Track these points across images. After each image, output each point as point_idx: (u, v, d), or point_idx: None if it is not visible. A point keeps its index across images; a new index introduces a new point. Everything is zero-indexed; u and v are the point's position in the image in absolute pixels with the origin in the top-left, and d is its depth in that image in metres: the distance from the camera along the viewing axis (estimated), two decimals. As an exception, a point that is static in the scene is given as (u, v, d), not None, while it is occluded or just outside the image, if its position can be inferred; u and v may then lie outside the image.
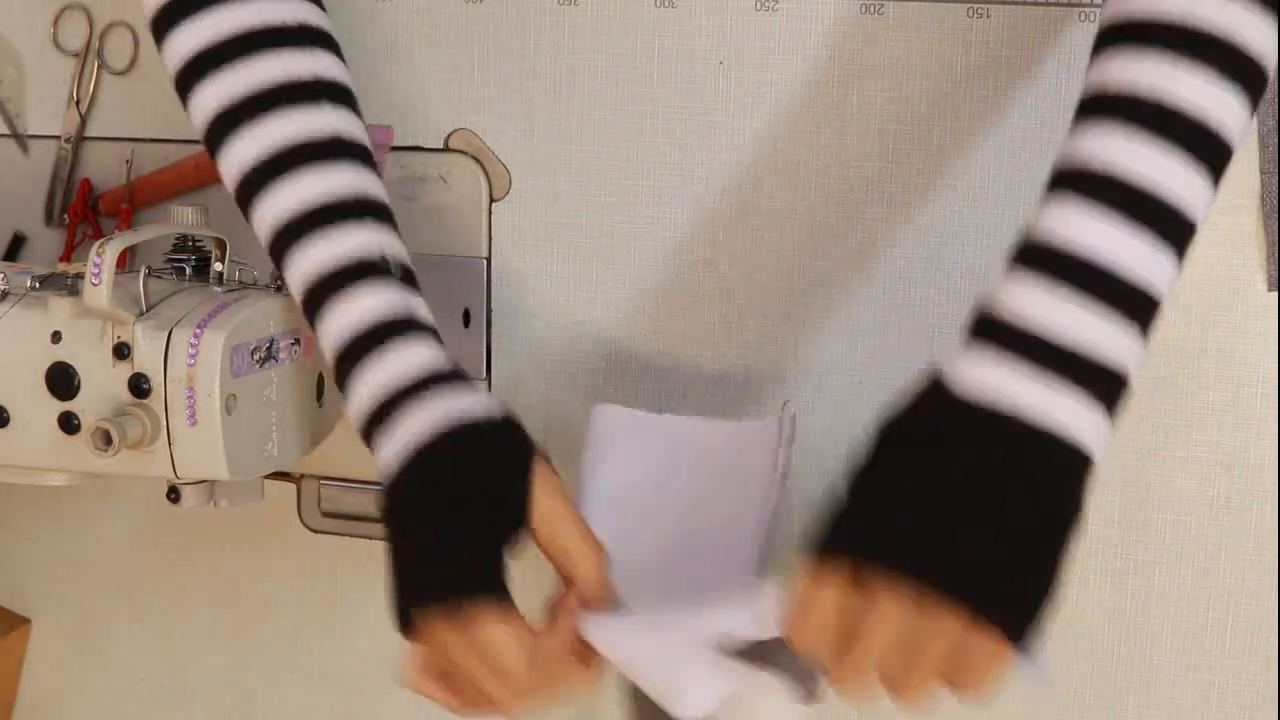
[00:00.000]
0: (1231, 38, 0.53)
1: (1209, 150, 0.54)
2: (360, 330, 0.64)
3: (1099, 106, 0.55)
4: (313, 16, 0.70)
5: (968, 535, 0.52)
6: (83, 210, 0.88)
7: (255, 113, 0.65)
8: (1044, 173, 0.56)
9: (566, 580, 0.64)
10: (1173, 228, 0.55)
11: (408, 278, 0.67)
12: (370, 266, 0.65)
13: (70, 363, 0.66)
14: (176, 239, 0.75)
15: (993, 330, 0.54)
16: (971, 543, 0.52)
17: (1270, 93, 0.71)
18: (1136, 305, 0.54)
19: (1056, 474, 0.53)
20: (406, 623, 0.62)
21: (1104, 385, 0.53)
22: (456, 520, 0.61)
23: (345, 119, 0.68)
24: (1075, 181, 0.54)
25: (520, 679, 0.60)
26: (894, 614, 0.52)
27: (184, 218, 0.73)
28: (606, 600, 0.63)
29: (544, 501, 0.63)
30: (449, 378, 0.64)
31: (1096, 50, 0.57)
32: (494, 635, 0.59)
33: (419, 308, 0.66)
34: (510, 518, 0.62)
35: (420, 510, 0.62)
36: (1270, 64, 0.55)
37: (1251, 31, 0.54)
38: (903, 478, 0.54)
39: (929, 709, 0.55)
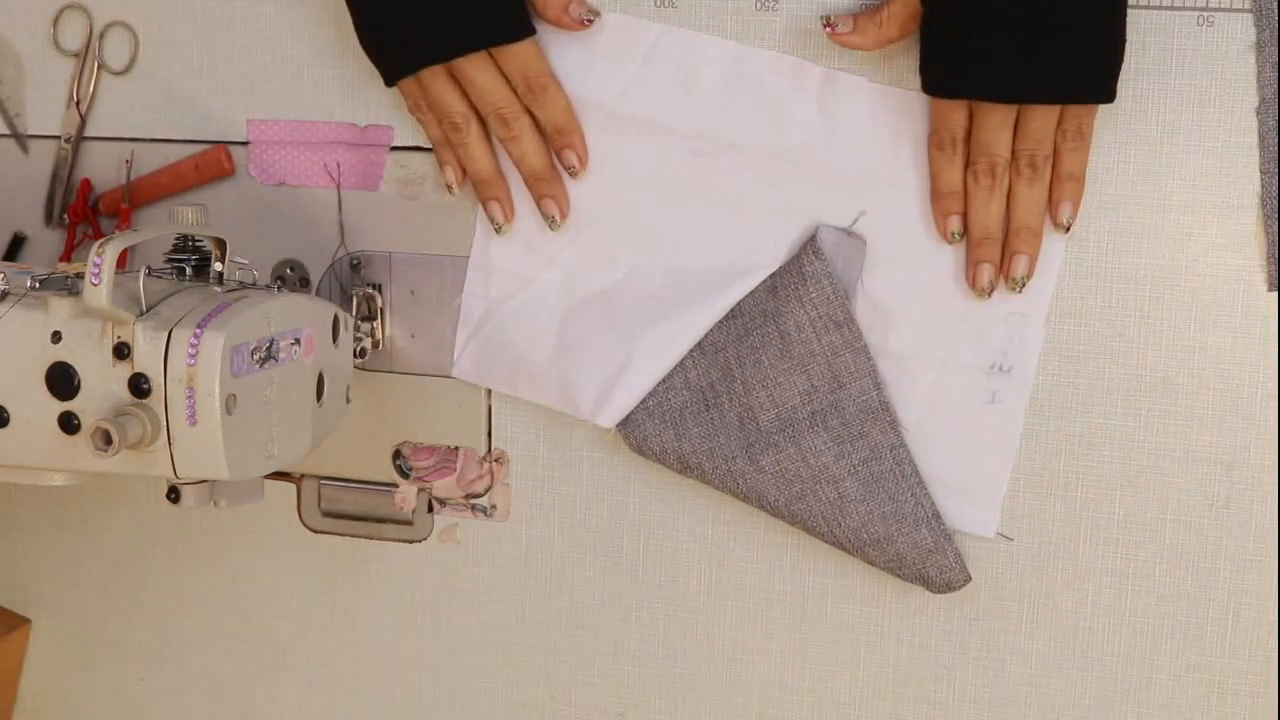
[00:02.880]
0: None
1: None
2: None
3: None
4: None
5: (1056, 42, 0.64)
6: (83, 210, 0.88)
7: None
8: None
9: None
10: None
11: None
12: None
13: (70, 363, 0.66)
14: (176, 239, 0.75)
15: None
16: (1063, 47, 0.64)
17: (1270, 93, 0.71)
18: None
19: None
20: (430, 76, 0.75)
21: None
22: None
23: None
24: None
25: (556, 120, 0.75)
26: (1008, 126, 0.68)
27: (184, 218, 0.73)
28: None
29: None
30: None
31: None
32: (528, 61, 0.75)
33: None
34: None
35: None
36: None
37: None
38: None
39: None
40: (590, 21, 0.73)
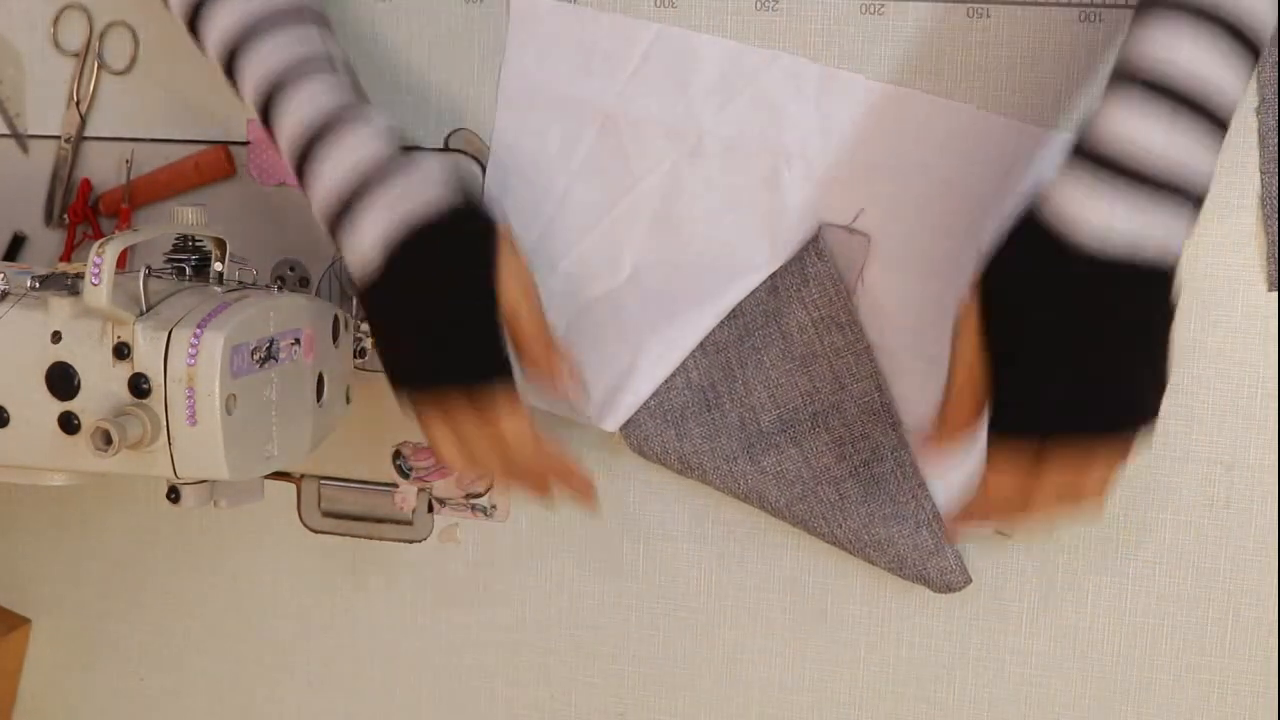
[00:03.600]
0: None
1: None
2: (312, 125, 0.67)
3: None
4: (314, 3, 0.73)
5: (1119, 388, 0.61)
6: (83, 210, 0.88)
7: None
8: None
9: (514, 340, 0.68)
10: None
11: (350, 75, 0.70)
12: (316, 63, 0.69)
13: (70, 363, 0.66)
14: (176, 239, 0.75)
15: (1090, 158, 0.59)
16: (1124, 390, 0.61)
17: (1270, 93, 0.71)
18: (1219, 128, 0.60)
19: (1162, 294, 0.62)
20: (417, 401, 0.67)
21: (1196, 202, 0.60)
22: (449, 307, 0.66)
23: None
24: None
25: (524, 463, 0.67)
26: (1068, 469, 0.62)
27: (184, 218, 0.73)
28: (550, 364, 0.69)
29: (508, 280, 0.67)
30: (402, 166, 0.67)
31: None
32: (508, 423, 0.66)
33: (361, 99, 0.69)
34: (492, 298, 0.67)
35: (408, 300, 0.66)
36: None
37: None
38: (1048, 344, 0.61)
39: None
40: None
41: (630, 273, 0.79)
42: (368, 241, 0.66)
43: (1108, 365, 0.61)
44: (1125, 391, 0.62)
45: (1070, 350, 0.61)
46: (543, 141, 0.80)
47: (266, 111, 0.69)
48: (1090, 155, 0.59)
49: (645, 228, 0.79)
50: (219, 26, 0.70)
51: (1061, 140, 0.71)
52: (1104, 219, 0.59)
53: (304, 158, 0.67)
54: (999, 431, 0.63)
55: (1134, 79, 0.59)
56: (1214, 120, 0.59)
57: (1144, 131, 0.58)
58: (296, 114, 0.68)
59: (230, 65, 0.70)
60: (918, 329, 0.76)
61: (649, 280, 0.79)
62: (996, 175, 0.73)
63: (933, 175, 0.74)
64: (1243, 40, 0.58)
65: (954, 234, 0.74)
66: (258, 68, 0.69)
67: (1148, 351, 0.62)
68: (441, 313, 0.66)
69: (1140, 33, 0.59)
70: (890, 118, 0.74)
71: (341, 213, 0.66)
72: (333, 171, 0.67)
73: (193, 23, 0.72)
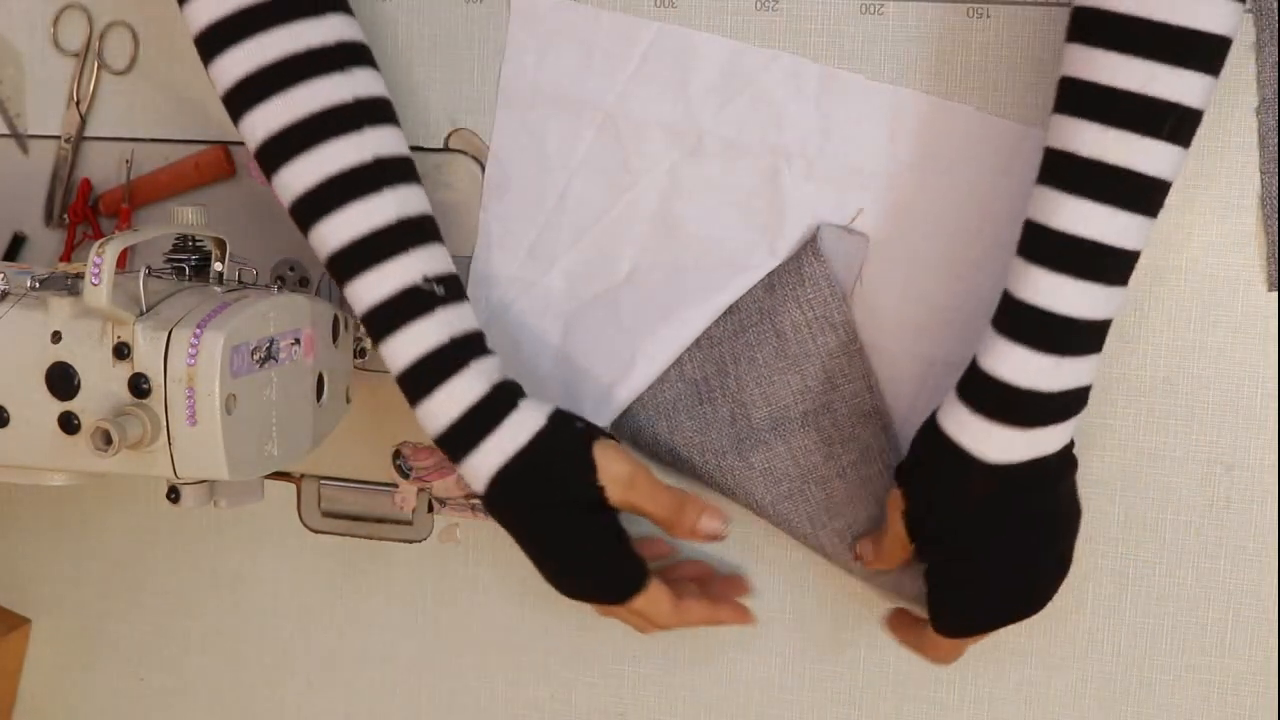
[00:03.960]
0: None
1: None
2: (423, 356, 0.70)
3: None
4: (348, 30, 0.72)
5: (1039, 588, 0.69)
6: (83, 210, 0.88)
7: (303, 142, 0.69)
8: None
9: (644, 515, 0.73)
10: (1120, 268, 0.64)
11: (453, 290, 0.71)
12: (419, 293, 0.70)
13: (70, 363, 0.66)
14: (176, 239, 0.75)
15: (985, 392, 0.65)
16: (1040, 587, 0.69)
17: (1270, 93, 0.71)
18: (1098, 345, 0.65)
19: (1070, 487, 0.68)
20: (577, 599, 0.75)
21: (1082, 405, 0.65)
22: (566, 524, 0.72)
23: (386, 137, 0.72)
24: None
25: (672, 625, 0.75)
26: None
27: (184, 218, 0.73)
28: (686, 520, 0.73)
29: (614, 485, 0.71)
30: (509, 392, 0.71)
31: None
32: (649, 609, 0.74)
33: (470, 322, 0.72)
34: (606, 512, 0.72)
35: (525, 527, 0.72)
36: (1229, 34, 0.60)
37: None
38: (961, 544, 0.68)
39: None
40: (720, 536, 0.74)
41: (629, 271, 0.79)
42: (478, 475, 0.71)
43: (1020, 560, 0.68)
44: (1036, 584, 0.69)
45: (983, 551, 0.68)
46: (542, 140, 0.80)
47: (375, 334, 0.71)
48: (983, 388, 0.65)
49: (644, 227, 0.79)
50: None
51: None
52: (1002, 449, 0.65)
53: (418, 383, 0.70)
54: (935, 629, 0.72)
55: (1019, 316, 0.63)
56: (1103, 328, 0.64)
57: (1033, 372, 0.63)
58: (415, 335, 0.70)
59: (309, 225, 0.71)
60: (916, 329, 0.76)
61: (648, 279, 0.79)
62: (995, 175, 0.73)
63: (932, 175, 0.74)
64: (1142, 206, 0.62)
65: (953, 234, 0.74)
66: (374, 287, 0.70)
67: (1058, 539, 0.69)
68: (561, 534, 0.72)
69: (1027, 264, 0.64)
70: (890, 118, 0.74)
71: (453, 439, 0.71)
72: (446, 403, 0.70)
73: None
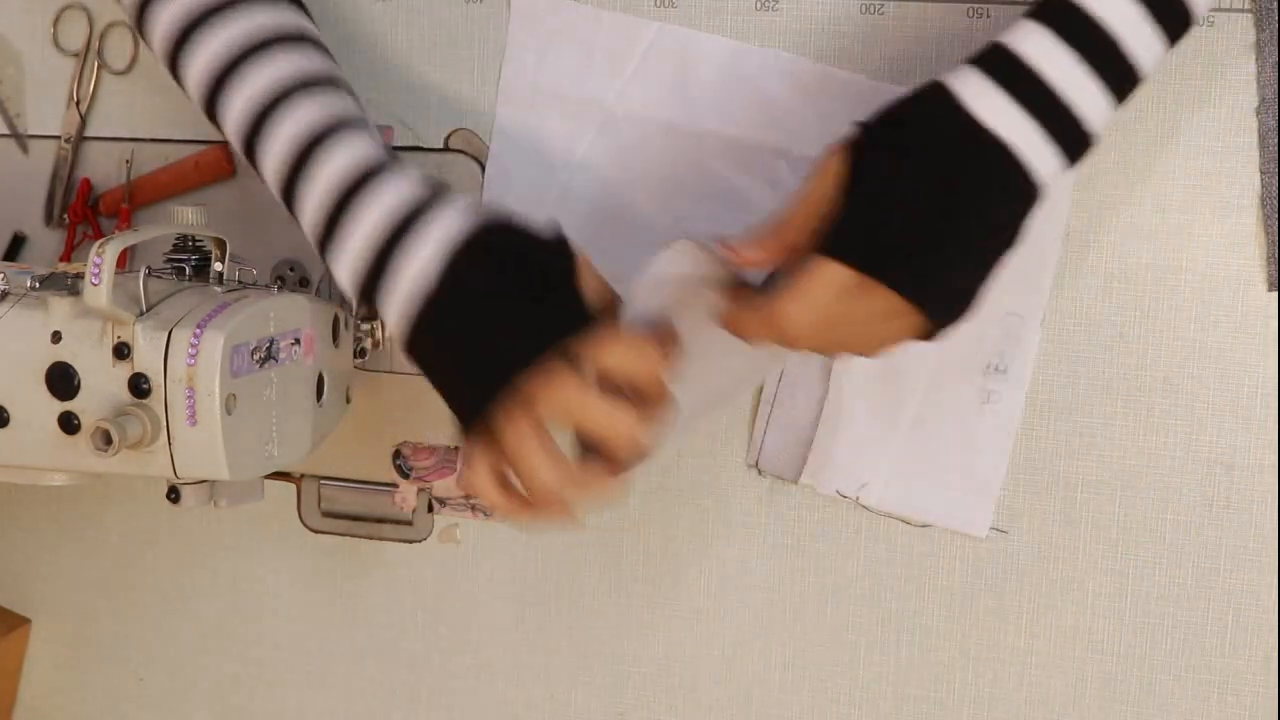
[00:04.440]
0: None
1: None
2: (347, 178, 0.65)
3: None
4: (304, 21, 0.71)
5: (945, 257, 0.62)
6: (83, 210, 0.88)
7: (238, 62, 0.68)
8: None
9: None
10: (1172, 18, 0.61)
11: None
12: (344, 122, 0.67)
13: (70, 363, 0.66)
14: (176, 239, 0.75)
15: (999, 63, 0.61)
16: (945, 263, 0.62)
17: (1270, 93, 0.71)
18: (1126, 79, 0.62)
19: (1018, 206, 0.62)
20: (478, 413, 0.62)
21: (1080, 143, 0.61)
22: (533, 286, 0.63)
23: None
24: None
25: (567, 469, 0.62)
26: (878, 308, 0.62)
27: (184, 218, 0.73)
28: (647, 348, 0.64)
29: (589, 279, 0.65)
30: (449, 200, 0.64)
31: None
32: (614, 358, 0.61)
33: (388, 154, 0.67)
34: (570, 318, 0.63)
35: (480, 298, 0.62)
36: None
37: None
38: (898, 192, 0.61)
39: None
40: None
41: (628, 270, 0.79)
42: (427, 252, 0.62)
43: (954, 245, 0.61)
44: (957, 276, 0.62)
45: (931, 215, 0.61)
46: (542, 139, 0.80)
47: (290, 169, 0.67)
48: (1010, 68, 0.61)
49: (642, 225, 0.79)
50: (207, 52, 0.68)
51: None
52: (1007, 125, 0.60)
53: (339, 208, 0.65)
54: (827, 253, 0.61)
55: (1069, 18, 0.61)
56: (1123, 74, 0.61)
57: (1053, 60, 0.61)
58: (329, 165, 0.65)
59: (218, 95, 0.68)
60: None
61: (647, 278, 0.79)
62: None
63: None
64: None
65: None
66: (288, 126, 0.66)
67: (989, 252, 0.62)
68: (526, 290, 0.62)
69: None
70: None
71: (390, 240, 0.63)
72: (373, 211, 0.64)
73: (174, 55, 0.70)
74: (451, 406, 0.64)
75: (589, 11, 0.78)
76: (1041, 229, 0.73)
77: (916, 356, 0.76)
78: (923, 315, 0.62)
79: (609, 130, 0.78)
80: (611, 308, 0.65)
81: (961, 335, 0.75)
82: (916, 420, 0.77)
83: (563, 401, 0.61)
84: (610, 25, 0.78)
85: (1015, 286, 0.74)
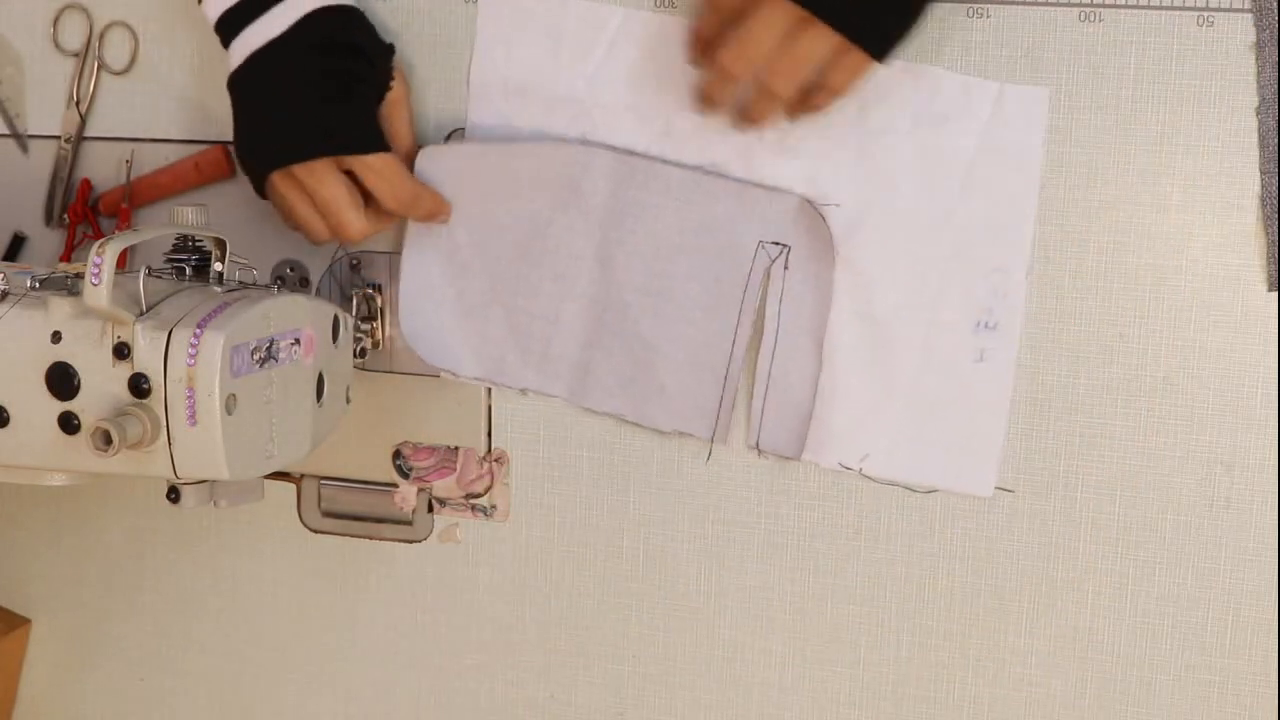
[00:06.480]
0: None
1: None
2: None
3: None
4: None
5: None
6: (83, 210, 0.88)
7: None
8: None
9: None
10: None
11: None
12: None
13: (70, 363, 0.66)
14: (176, 239, 0.75)
15: None
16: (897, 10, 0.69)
17: (1270, 93, 0.71)
18: None
19: None
20: (255, 174, 0.77)
21: None
22: (340, 84, 0.75)
23: None
24: None
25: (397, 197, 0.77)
26: (779, 24, 0.68)
27: (184, 218, 0.73)
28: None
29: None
30: None
31: None
32: (386, 170, 0.77)
33: None
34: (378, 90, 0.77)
35: (296, 74, 0.75)
36: None
37: None
38: None
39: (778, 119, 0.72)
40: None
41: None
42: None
43: None
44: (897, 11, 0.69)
45: None
46: (514, 131, 0.80)
47: None
48: None
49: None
50: None
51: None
52: None
53: None
54: None
55: None
56: None
57: None
58: None
59: None
60: (902, 294, 0.76)
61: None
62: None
63: (917, 150, 0.75)
64: None
65: (937, 209, 0.75)
66: None
67: None
68: (334, 81, 0.75)
69: None
70: (859, 91, 0.73)
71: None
72: None
73: None
74: (236, 147, 0.78)
75: (554, 1, 0.78)
76: (1014, 180, 0.74)
77: (907, 322, 0.76)
78: (859, 48, 0.69)
79: (580, 118, 0.78)
80: (408, 153, 0.79)
81: (947, 295, 0.75)
82: (912, 385, 0.77)
83: (317, 191, 0.75)
84: (577, 13, 0.78)
85: (997, 241, 0.74)
